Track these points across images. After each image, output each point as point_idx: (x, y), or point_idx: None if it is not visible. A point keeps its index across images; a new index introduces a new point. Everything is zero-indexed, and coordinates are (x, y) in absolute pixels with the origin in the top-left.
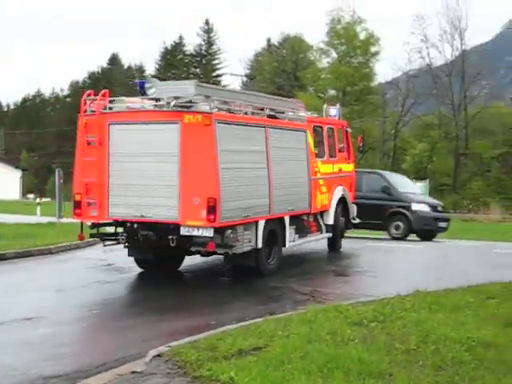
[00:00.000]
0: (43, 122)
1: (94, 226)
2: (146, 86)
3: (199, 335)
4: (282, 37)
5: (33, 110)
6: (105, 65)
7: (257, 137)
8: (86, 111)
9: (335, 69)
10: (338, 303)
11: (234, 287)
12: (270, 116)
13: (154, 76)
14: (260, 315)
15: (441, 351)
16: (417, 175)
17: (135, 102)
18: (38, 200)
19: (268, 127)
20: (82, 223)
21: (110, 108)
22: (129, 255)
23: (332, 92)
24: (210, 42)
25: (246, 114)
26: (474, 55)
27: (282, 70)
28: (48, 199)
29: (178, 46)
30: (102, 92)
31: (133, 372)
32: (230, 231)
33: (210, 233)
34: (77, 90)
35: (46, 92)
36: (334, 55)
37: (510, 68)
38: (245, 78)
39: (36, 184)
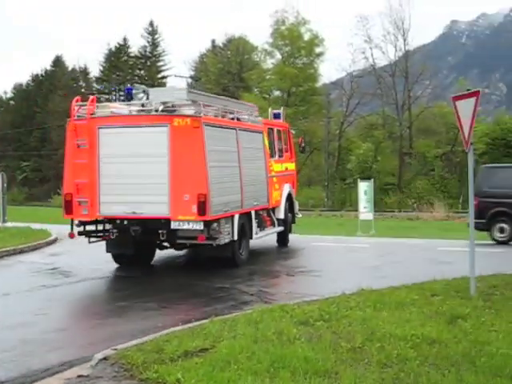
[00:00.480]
0: None
1: (81, 224)
2: (134, 91)
3: (145, 338)
4: (227, 38)
5: None
6: (48, 67)
7: (231, 138)
8: (75, 116)
9: (280, 70)
10: (283, 303)
11: (179, 289)
12: (237, 119)
13: (99, 78)
14: (206, 316)
15: (386, 348)
16: (362, 175)
17: (121, 108)
18: None
19: (238, 129)
20: (72, 222)
21: (100, 113)
22: (107, 251)
23: (277, 93)
24: (154, 44)
25: (222, 117)
26: (417, 55)
27: (227, 71)
28: None
29: (123, 47)
30: (91, 98)
31: (79, 376)
32: (215, 224)
33: (200, 226)
34: (20, 92)
35: None
36: (279, 56)
37: (453, 68)
38: (190, 80)
39: None
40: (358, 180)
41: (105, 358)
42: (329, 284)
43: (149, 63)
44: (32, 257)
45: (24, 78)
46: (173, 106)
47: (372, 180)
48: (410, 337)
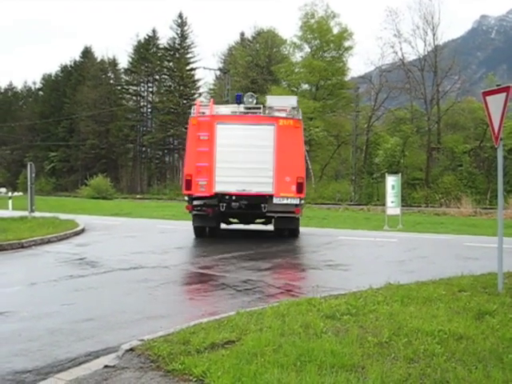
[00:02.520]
0: (15, 116)
1: (191, 199)
2: (245, 96)
3: (171, 329)
4: (256, 31)
5: (4, 103)
6: (77, 58)
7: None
8: (199, 114)
9: (308, 63)
10: (310, 296)
11: (206, 281)
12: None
13: (128, 69)
14: (232, 309)
15: (413, 344)
16: (389, 169)
17: (233, 109)
18: (10, 194)
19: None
20: (190, 197)
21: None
22: (194, 224)
23: (305, 86)
24: (183, 36)
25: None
26: (447, 50)
27: (256, 64)
28: (20, 193)
29: (152, 39)
30: (211, 100)
31: (105, 366)
32: (303, 201)
33: (297, 201)
34: (49, 83)
35: (18, 85)
36: (308, 49)
37: (482, 63)
38: (218, 72)
39: (8, 178)
40: (386, 174)
41: (131, 349)
42: (356, 278)
43: (177, 55)
44: (59, 247)
45: (53, 69)
46: (276, 110)
47: (399, 175)
48: (437, 332)
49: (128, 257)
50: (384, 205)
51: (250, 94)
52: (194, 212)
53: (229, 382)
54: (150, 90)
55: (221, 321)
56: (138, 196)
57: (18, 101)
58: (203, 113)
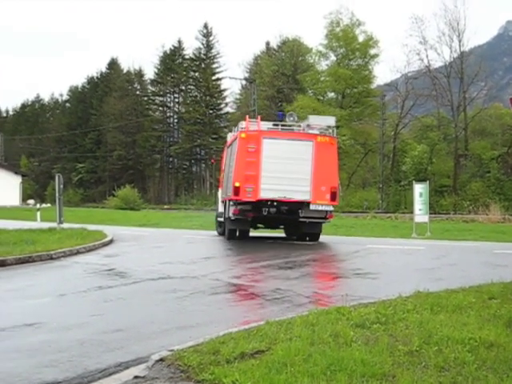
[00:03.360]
0: (42, 128)
1: (237, 204)
2: (282, 116)
3: (201, 339)
4: (281, 40)
5: (32, 115)
6: (104, 69)
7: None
8: (248, 129)
9: (334, 71)
10: (339, 305)
11: (234, 291)
12: None
13: (154, 80)
14: (262, 318)
15: (443, 352)
16: (417, 177)
17: (276, 126)
18: (38, 206)
19: None
20: (237, 202)
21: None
22: (230, 227)
23: (331, 94)
24: (208, 46)
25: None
26: (473, 56)
27: (282, 72)
28: (48, 205)
29: (177, 49)
30: (258, 117)
31: (135, 377)
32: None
33: (331, 208)
34: (76, 95)
35: (46, 97)
36: (333, 58)
37: (508, 69)
38: (244, 82)
39: (36, 190)
40: (413, 182)
41: (161, 359)
42: (385, 286)
43: (203, 65)
44: (88, 258)
45: (79, 81)
46: (314, 128)
47: (427, 182)
48: (468, 340)
49: (156, 267)
50: (412, 212)
51: (290, 113)
52: (234, 216)
53: None
54: (177, 100)
55: (250, 330)
56: (165, 206)
57: (46, 113)
58: (249, 128)
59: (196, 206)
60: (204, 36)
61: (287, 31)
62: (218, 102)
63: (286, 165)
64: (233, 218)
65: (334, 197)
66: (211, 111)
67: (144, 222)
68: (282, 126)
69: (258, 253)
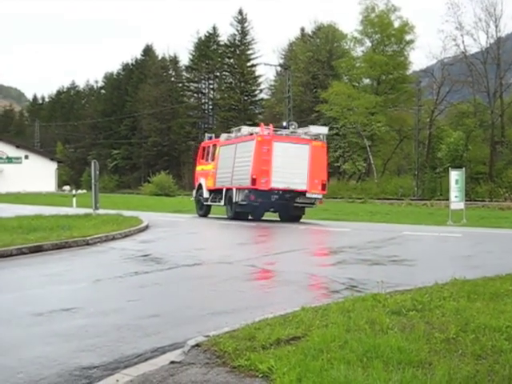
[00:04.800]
0: (78, 114)
1: (253, 192)
2: (289, 125)
3: (237, 325)
4: (316, 26)
5: (67, 102)
6: (139, 56)
7: None
8: (263, 133)
9: (369, 57)
10: (375, 292)
11: (269, 276)
12: None
13: (189, 67)
14: (297, 304)
15: (480, 340)
16: (452, 163)
17: (282, 131)
18: (73, 192)
19: None
20: (254, 190)
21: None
22: (236, 210)
23: (366, 81)
24: (243, 32)
25: None
26: (509, 42)
27: (316, 59)
28: (84, 191)
29: (212, 36)
30: (271, 125)
31: (171, 362)
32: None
33: (320, 196)
34: (111, 81)
35: (81, 84)
36: (368, 44)
37: None
38: (279, 68)
39: (71, 176)
40: (449, 169)
41: (197, 345)
42: (421, 273)
43: (238, 52)
44: (124, 243)
45: (115, 67)
46: (312, 135)
47: (463, 169)
48: (505, 328)
49: (192, 253)
50: (447, 199)
51: (292, 122)
52: (245, 202)
53: (294, 378)
54: (211, 86)
55: (286, 317)
56: None
57: (81, 100)
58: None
59: None
60: (239, 22)
61: (322, 17)
62: (253, 88)
63: (290, 162)
64: (242, 203)
65: (323, 187)
66: (246, 98)
67: (179, 208)
68: (287, 132)
69: (291, 240)
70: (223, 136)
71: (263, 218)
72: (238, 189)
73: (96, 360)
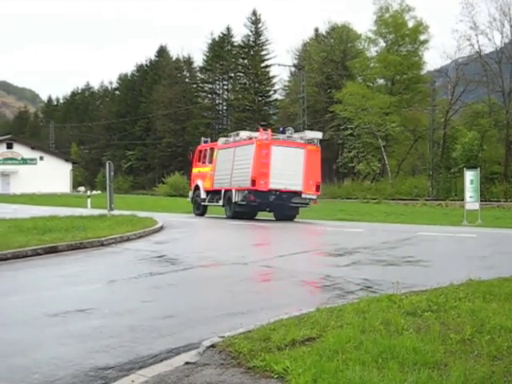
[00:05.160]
0: (92, 115)
1: (253, 192)
2: (285, 130)
3: (252, 326)
4: (330, 26)
5: (82, 103)
6: (153, 57)
7: None
8: (262, 137)
9: (383, 57)
10: (390, 293)
11: (284, 277)
12: None
13: (203, 67)
14: (312, 305)
15: (496, 341)
16: (467, 164)
17: (279, 136)
18: (88, 193)
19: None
20: (253, 191)
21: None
22: (236, 209)
23: (381, 81)
24: (257, 33)
25: None
26: None
27: (330, 59)
28: (98, 192)
29: (226, 37)
30: (269, 130)
31: (186, 363)
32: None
33: (315, 197)
34: (125, 82)
35: (95, 85)
36: (383, 44)
37: None
38: (293, 69)
39: (86, 177)
40: (464, 169)
41: (212, 346)
42: (436, 274)
43: (252, 52)
44: (138, 244)
45: (129, 68)
46: (307, 139)
47: (478, 169)
48: None
49: (206, 254)
50: (462, 200)
51: (289, 127)
52: (244, 202)
53: (310, 378)
54: (225, 87)
55: (301, 317)
56: None
57: (95, 100)
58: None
59: None
60: (253, 23)
61: (336, 17)
62: (267, 88)
63: (287, 165)
64: (241, 203)
65: (318, 189)
66: (260, 98)
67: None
68: (285, 137)
69: (306, 240)
70: (221, 140)
71: (257, 217)
72: (238, 190)
73: (111, 361)
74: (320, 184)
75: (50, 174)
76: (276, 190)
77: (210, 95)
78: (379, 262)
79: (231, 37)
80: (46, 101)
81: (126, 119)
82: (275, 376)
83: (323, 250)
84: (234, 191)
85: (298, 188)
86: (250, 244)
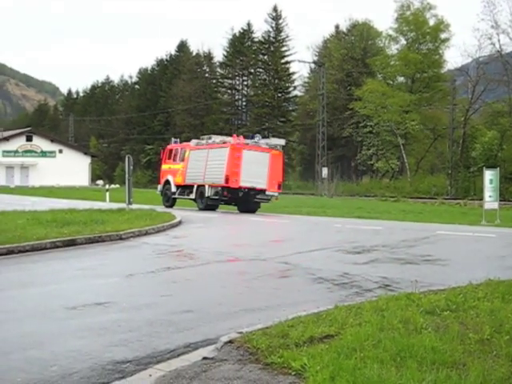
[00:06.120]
0: (112, 109)
1: (226, 189)
2: (254, 137)
3: (270, 322)
4: (351, 23)
5: (102, 97)
6: (173, 52)
7: None
8: (235, 142)
9: (404, 55)
10: (409, 291)
11: (303, 274)
12: None
13: (223, 63)
14: (330, 303)
15: None
16: (486, 163)
17: (249, 142)
18: (107, 186)
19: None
20: (226, 188)
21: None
22: (210, 203)
23: (401, 79)
24: (278, 29)
25: None
26: None
27: (351, 56)
28: (117, 185)
29: (246, 32)
30: (241, 136)
31: (204, 358)
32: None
33: (277, 194)
34: (145, 77)
35: (115, 79)
36: (403, 42)
37: None
38: (313, 65)
39: (105, 170)
40: (483, 168)
41: (230, 341)
42: (455, 273)
43: (272, 48)
44: (157, 239)
45: (149, 63)
46: (272, 145)
47: (497, 169)
48: None
49: (225, 249)
50: (481, 199)
51: (257, 135)
52: (216, 197)
53: (328, 376)
54: (245, 83)
55: (319, 315)
56: None
57: (115, 94)
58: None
59: None
60: (273, 19)
61: (357, 14)
62: (287, 85)
63: (254, 166)
64: (213, 197)
65: (279, 187)
66: (280, 94)
67: None
68: (253, 142)
69: (324, 238)
70: (193, 142)
71: (219, 209)
72: (211, 186)
73: (129, 354)
74: (281, 183)
75: (69, 167)
76: (245, 188)
77: (229, 91)
78: (397, 261)
79: (251, 32)
80: (65, 94)
81: (146, 113)
82: (293, 373)
83: (341, 248)
84: (207, 187)
85: (263, 186)
86: (269, 240)
